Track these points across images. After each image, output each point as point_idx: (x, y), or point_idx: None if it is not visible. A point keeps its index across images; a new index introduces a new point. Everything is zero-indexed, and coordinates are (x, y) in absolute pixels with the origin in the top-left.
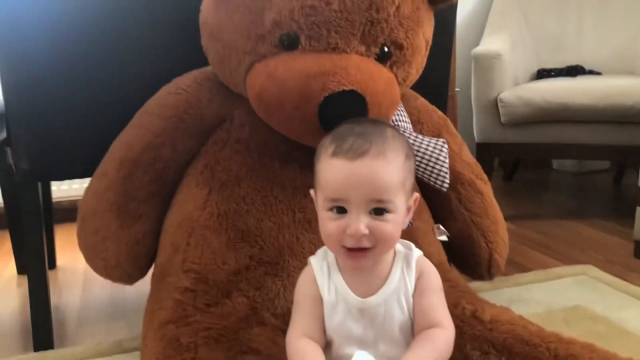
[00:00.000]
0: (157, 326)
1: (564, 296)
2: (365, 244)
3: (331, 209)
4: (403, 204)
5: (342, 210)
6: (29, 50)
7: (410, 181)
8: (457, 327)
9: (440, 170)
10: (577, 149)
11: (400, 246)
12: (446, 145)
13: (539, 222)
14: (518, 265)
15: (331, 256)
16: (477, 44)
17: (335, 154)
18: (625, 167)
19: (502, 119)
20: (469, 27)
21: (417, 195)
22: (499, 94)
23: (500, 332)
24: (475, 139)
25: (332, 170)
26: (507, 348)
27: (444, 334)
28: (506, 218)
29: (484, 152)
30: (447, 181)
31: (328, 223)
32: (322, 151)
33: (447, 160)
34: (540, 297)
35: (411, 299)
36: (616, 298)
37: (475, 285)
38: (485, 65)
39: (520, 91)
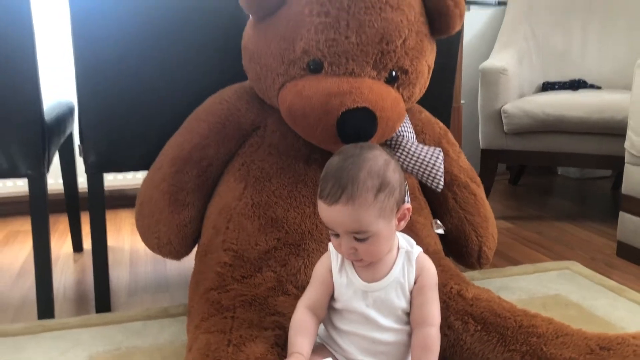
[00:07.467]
0: (202, 292)
1: (546, 286)
2: (357, 257)
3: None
4: (385, 225)
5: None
6: (102, 60)
7: (389, 205)
8: (444, 302)
9: (436, 174)
10: (573, 158)
11: (403, 242)
12: (442, 154)
13: (538, 223)
14: (511, 260)
15: None
16: (487, 57)
17: (320, 196)
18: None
19: (505, 128)
20: (481, 42)
21: (407, 206)
22: (502, 106)
23: (479, 308)
24: (480, 145)
25: (320, 209)
26: (483, 319)
27: (434, 333)
28: (508, 219)
29: (488, 158)
30: (442, 183)
31: (331, 237)
32: (319, 185)
33: (442, 166)
34: (526, 286)
35: (408, 292)
36: (592, 289)
37: (469, 274)
38: (491, 79)
39: (522, 103)
